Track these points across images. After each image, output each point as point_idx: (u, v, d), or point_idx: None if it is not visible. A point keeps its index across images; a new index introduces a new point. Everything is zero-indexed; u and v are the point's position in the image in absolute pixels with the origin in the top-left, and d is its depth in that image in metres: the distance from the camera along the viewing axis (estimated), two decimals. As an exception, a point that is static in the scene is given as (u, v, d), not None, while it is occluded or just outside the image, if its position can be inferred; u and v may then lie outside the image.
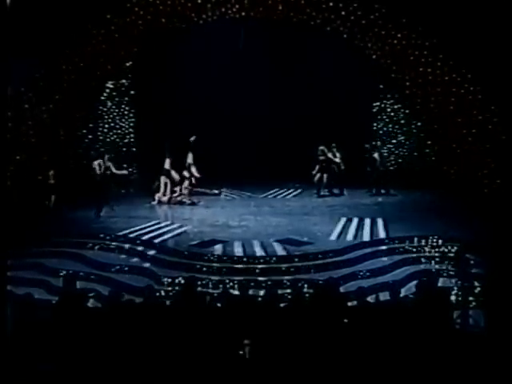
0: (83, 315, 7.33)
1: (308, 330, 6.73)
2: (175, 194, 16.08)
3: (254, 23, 17.83)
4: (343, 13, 16.07)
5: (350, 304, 8.07)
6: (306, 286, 9.71)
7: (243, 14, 17.60)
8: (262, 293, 9.06)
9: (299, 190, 18.08)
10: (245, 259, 10.64)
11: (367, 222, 13.17)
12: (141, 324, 6.91)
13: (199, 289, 9.38)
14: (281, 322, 7.01)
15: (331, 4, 15.93)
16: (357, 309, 7.73)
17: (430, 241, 11.79)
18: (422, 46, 15.86)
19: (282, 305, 7.95)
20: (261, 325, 6.87)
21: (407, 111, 19.01)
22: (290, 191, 18.26)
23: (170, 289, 9.98)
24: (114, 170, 15.11)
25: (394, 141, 19.04)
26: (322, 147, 16.59)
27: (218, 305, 8.24)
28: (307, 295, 8.63)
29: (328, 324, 6.97)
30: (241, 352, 6.16)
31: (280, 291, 9.42)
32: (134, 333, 6.69)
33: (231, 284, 9.97)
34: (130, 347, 6.41)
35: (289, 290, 9.60)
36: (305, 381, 5.95)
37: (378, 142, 17.48)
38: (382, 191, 16.86)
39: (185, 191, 16.03)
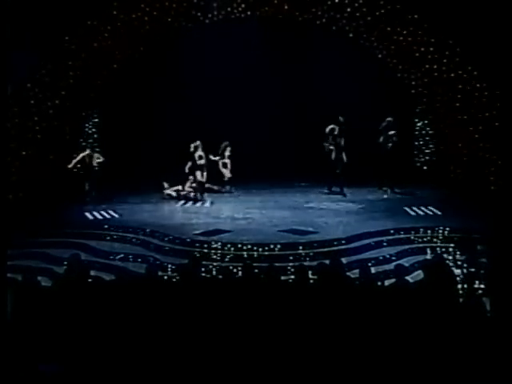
0: (85, 293, 7.30)
1: (312, 310, 6.65)
2: (184, 189, 15.96)
3: (259, 23, 17.88)
4: (349, 9, 16.11)
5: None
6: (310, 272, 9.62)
7: (249, 13, 17.72)
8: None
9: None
10: (249, 246, 10.59)
11: (372, 214, 13.12)
12: (142, 302, 6.84)
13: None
14: (284, 301, 6.93)
15: (337, 1, 15.98)
16: (362, 288, 7.66)
17: (436, 231, 11.74)
18: (427, 42, 15.86)
19: (285, 284, 7.89)
20: (263, 304, 6.79)
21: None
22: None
23: (174, 274, 9.93)
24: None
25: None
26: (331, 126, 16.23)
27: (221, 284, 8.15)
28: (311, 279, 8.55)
29: (332, 303, 6.89)
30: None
31: (284, 277, 9.37)
32: (134, 312, 6.62)
33: (235, 270, 9.90)
34: (131, 326, 6.36)
35: (293, 277, 9.53)
36: (308, 363, 5.89)
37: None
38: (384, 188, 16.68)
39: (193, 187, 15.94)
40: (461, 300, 8.24)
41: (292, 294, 7.24)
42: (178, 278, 8.93)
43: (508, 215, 12.45)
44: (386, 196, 16.11)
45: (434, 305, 6.78)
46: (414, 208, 13.87)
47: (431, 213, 13.50)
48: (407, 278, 9.44)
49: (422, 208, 13.85)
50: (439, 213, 13.41)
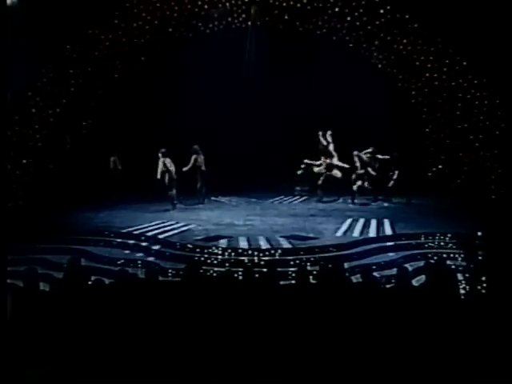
0: (85, 294, 7.24)
1: (313, 312, 6.60)
2: None
3: (259, 32, 17.90)
4: (349, 18, 16.18)
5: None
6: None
7: (249, 23, 17.77)
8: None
9: (305, 197, 17.99)
10: (249, 252, 10.54)
11: (373, 221, 13.10)
12: (141, 304, 6.78)
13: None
14: (285, 303, 6.87)
15: (337, 9, 16.07)
16: (363, 290, 7.60)
17: (437, 238, 11.71)
18: (427, 51, 15.93)
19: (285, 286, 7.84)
20: (264, 306, 6.73)
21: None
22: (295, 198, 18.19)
23: (175, 279, 9.86)
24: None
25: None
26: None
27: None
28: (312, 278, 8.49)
29: (333, 304, 6.83)
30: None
31: (284, 282, 9.29)
32: (132, 314, 6.56)
33: (235, 276, 9.83)
34: (129, 328, 6.31)
35: (294, 282, 9.45)
36: (309, 364, 5.83)
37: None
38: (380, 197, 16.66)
39: None
40: (462, 302, 8.22)
41: (293, 295, 7.20)
42: (177, 280, 8.87)
43: (509, 223, 12.40)
44: (386, 204, 16.14)
45: (435, 307, 6.73)
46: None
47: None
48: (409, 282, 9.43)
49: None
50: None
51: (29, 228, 12.65)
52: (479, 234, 10.27)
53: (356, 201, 16.27)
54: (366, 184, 16.28)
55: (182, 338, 6.15)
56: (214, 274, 9.96)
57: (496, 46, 14.43)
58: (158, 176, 15.01)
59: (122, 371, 5.81)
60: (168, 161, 15.07)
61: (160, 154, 15.02)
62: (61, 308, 6.74)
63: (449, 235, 11.75)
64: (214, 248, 10.76)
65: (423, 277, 8.63)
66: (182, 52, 17.79)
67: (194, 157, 16.04)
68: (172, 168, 15.13)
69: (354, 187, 16.28)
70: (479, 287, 9.48)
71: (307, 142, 17.25)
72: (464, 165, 16.60)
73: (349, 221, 13.24)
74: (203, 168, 16.25)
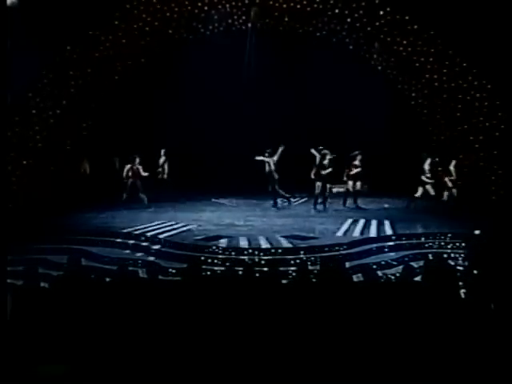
0: (85, 292, 7.22)
1: (313, 309, 6.58)
2: None
3: (259, 35, 17.92)
4: (348, 20, 16.20)
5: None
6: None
7: (249, 25, 17.80)
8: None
9: (305, 199, 17.96)
10: (250, 251, 10.54)
11: (374, 222, 13.11)
12: (141, 303, 6.76)
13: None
14: (285, 301, 6.85)
15: (336, 11, 16.09)
16: (364, 285, 7.61)
17: (437, 238, 11.71)
18: (427, 53, 15.95)
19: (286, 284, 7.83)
20: (264, 304, 6.71)
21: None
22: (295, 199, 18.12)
23: (176, 278, 9.84)
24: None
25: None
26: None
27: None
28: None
29: (334, 301, 6.81)
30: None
31: (285, 281, 9.28)
32: (131, 313, 6.54)
33: (236, 274, 9.82)
34: (128, 327, 6.28)
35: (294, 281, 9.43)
36: (309, 363, 5.81)
37: None
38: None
39: None
40: (463, 301, 8.20)
41: (294, 294, 7.18)
42: (178, 279, 8.85)
43: (509, 223, 12.40)
44: (386, 206, 16.13)
45: (436, 306, 6.72)
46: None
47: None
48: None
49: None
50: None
51: (29, 228, 12.63)
52: (476, 232, 10.24)
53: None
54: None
55: (183, 337, 6.13)
56: (215, 273, 9.96)
57: (496, 47, 14.43)
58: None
59: (122, 370, 5.79)
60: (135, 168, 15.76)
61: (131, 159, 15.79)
62: (60, 306, 6.73)
63: (449, 235, 11.76)
64: (214, 247, 10.75)
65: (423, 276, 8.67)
66: (182, 53, 17.83)
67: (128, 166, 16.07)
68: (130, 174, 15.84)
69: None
70: (478, 286, 9.52)
71: (307, 143, 17.24)
72: (464, 166, 16.58)
73: (349, 221, 13.25)
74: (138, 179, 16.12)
